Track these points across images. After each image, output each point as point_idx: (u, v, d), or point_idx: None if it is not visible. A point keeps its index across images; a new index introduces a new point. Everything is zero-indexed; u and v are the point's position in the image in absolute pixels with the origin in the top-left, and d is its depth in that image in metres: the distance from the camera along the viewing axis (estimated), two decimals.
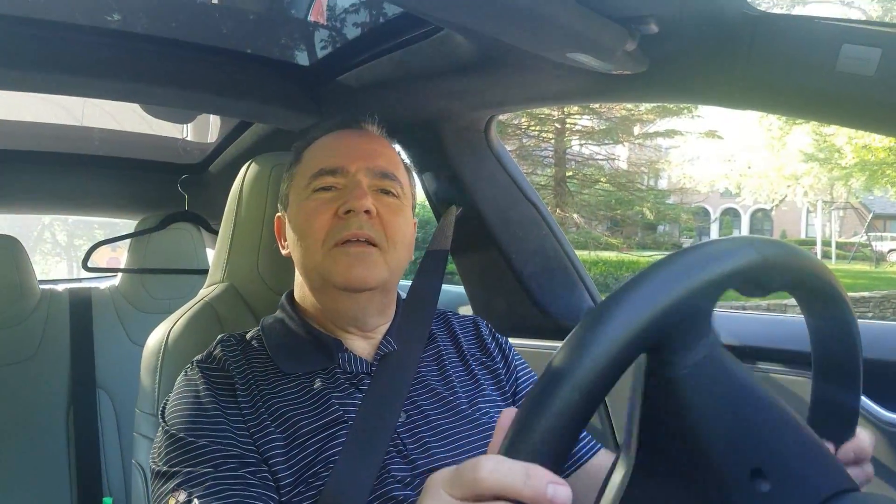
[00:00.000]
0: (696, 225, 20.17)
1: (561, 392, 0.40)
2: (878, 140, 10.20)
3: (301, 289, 0.95)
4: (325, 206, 0.87)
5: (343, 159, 0.90)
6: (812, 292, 0.55)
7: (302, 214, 0.90)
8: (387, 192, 0.91)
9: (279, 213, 0.99)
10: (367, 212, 0.86)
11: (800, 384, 1.01)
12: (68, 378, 1.84)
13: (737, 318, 1.25)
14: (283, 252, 0.97)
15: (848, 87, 0.75)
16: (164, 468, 0.75)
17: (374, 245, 0.86)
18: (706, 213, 21.74)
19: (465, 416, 0.89)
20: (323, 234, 0.86)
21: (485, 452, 0.82)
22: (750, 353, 1.09)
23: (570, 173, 13.41)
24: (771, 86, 0.83)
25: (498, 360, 1.01)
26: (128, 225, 2.41)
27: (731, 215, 23.58)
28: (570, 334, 0.42)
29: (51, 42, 1.11)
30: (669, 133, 13.18)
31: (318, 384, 0.84)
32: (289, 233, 0.94)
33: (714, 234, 20.14)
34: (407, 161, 1.01)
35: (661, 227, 21.55)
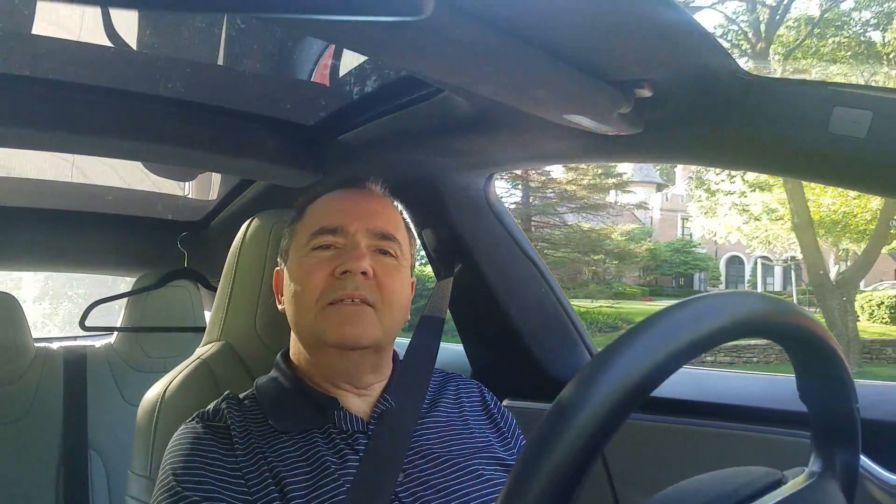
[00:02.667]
0: (731, 273, 20.51)
1: (552, 453, 0.39)
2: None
3: (295, 346, 0.94)
4: (322, 265, 0.88)
5: (343, 219, 0.91)
6: (805, 350, 0.54)
7: (299, 271, 0.90)
8: (385, 253, 0.91)
9: (278, 268, 0.99)
10: (363, 273, 0.86)
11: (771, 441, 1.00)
12: (60, 438, 1.80)
13: (703, 374, 1.25)
14: (280, 307, 0.97)
15: (840, 148, 0.77)
16: None
17: (370, 305, 0.86)
18: (741, 261, 21.82)
19: (464, 470, 0.87)
20: (318, 293, 0.86)
21: None
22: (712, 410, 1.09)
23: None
24: (764, 147, 0.85)
25: (501, 425, 0.99)
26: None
27: (764, 264, 23.61)
28: (562, 391, 0.42)
29: (53, 101, 1.13)
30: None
31: (313, 444, 0.83)
32: (285, 288, 0.94)
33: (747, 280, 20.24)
34: (408, 221, 1.02)
35: (696, 276, 21.69)
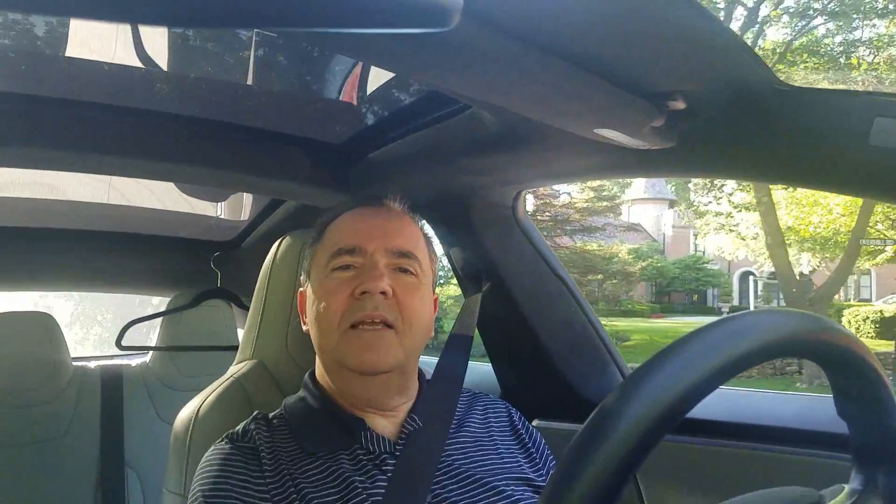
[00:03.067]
0: (743, 289, 20.66)
1: (583, 475, 0.38)
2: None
3: (320, 368, 0.94)
4: (342, 287, 0.87)
5: (361, 238, 0.90)
6: (845, 369, 0.52)
7: (320, 294, 0.90)
8: (405, 271, 0.90)
9: (301, 288, 0.99)
10: (383, 293, 0.85)
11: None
12: (98, 456, 1.82)
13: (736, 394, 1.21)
14: (304, 328, 0.96)
15: (881, 160, 0.74)
16: None
17: (390, 326, 0.85)
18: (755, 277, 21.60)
19: (492, 491, 0.85)
20: (339, 315, 0.86)
21: None
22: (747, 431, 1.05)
23: None
24: (802, 160, 0.82)
25: (530, 445, 0.97)
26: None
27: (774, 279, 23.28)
28: (594, 411, 0.41)
29: (87, 122, 1.16)
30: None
31: (340, 465, 0.82)
32: (308, 311, 0.94)
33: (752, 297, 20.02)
34: (430, 236, 1.01)
35: (709, 293, 21.62)
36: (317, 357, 0.95)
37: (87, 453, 1.81)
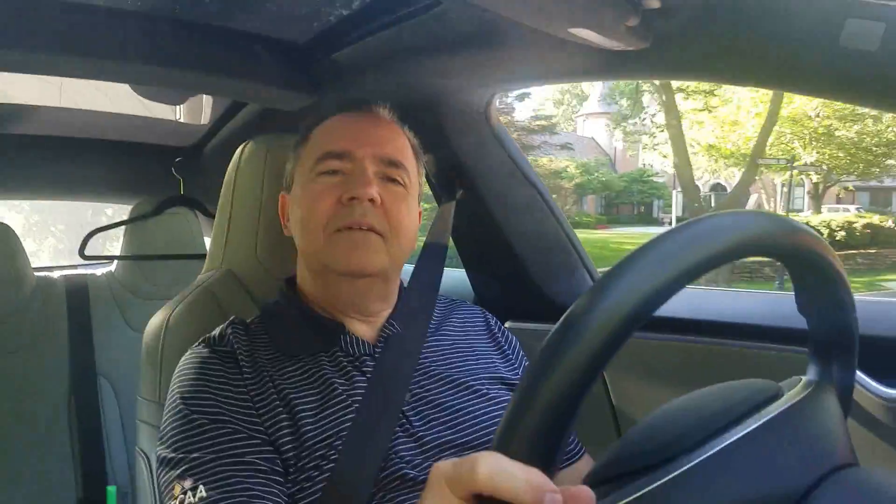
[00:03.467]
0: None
1: (553, 375, 0.40)
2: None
3: (302, 272, 0.94)
4: (329, 192, 0.86)
5: (350, 144, 0.89)
6: (806, 266, 0.54)
7: (306, 198, 0.89)
8: (393, 181, 0.90)
9: (283, 192, 0.98)
10: (371, 200, 0.85)
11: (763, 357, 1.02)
12: (68, 366, 1.83)
13: (703, 293, 1.26)
14: (286, 232, 0.96)
15: (851, 62, 0.74)
16: (170, 454, 0.75)
17: (377, 233, 0.85)
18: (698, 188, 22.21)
19: (470, 390, 0.89)
20: (325, 219, 0.85)
21: (492, 424, 0.83)
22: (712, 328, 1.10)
23: None
24: (774, 61, 0.82)
25: (505, 347, 1.01)
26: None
27: (717, 191, 23.93)
28: (564, 314, 0.42)
29: (37, 20, 1.09)
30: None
31: (321, 367, 0.84)
32: (291, 214, 0.93)
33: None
34: (416, 146, 1.00)
35: (655, 205, 22.46)
36: (299, 262, 0.94)
37: (56, 364, 1.82)
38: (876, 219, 12.12)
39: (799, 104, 12.23)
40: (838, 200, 16.88)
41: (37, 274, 1.92)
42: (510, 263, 1.39)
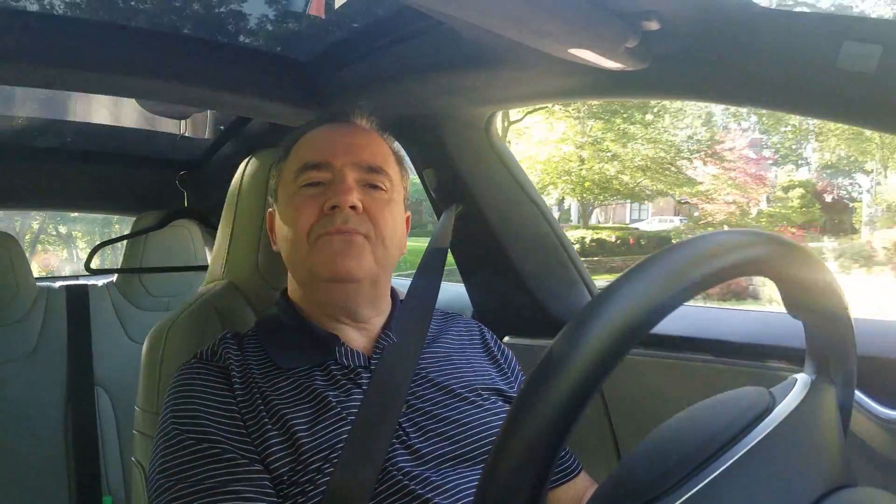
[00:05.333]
0: None
1: (555, 382, 0.40)
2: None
3: (291, 283, 0.95)
4: (310, 202, 0.87)
5: (328, 154, 0.89)
6: (805, 286, 0.54)
7: (288, 210, 0.89)
8: (375, 187, 0.90)
9: (270, 209, 0.99)
10: (352, 207, 0.85)
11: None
12: (66, 376, 1.83)
13: (701, 310, 1.26)
14: (274, 248, 0.96)
15: (848, 84, 0.75)
16: (159, 478, 0.75)
17: (362, 234, 0.86)
18: None
19: (466, 400, 0.88)
20: (308, 228, 0.86)
21: (489, 435, 0.82)
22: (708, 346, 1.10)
23: None
24: (772, 83, 0.83)
25: (501, 361, 1.00)
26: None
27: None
28: (564, 328, 0.43)
29: (47, 36, 1.11)
30: None
31: (314, 381, 0.84)
32: (278, 229, 0.93)
33: None
34: (400, 153, 1.00)
35: None
36: (288, 274, 0.95)
37: (55, 373, 1.82)
38: (604, 234, 14.63)
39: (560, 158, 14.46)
40: (676, 212, 18.15)
41: (38, 284, 1.93)
42: (509, 278, 1.39)
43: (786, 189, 15.65)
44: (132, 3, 1.19)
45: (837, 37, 0.73)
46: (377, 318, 0.93)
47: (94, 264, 2.07)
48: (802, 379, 0.57)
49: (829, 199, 15.94)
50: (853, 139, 13.84)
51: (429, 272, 1.09)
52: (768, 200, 15.47)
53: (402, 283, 1.02)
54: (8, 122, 1.86)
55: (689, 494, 0.44)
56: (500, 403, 0.91)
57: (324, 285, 0.88)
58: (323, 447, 0.77)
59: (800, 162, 16.89)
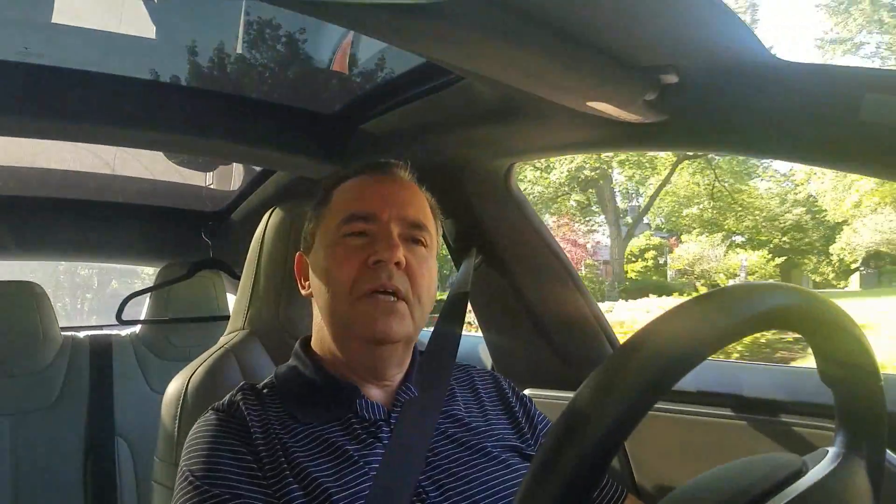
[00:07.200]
0: None
1: (576, 440, 0.39)
2: None
3: (320, 333, 0.93)
4: (354, 254, 0.86)
5: (375, 205, 0.88)
6: (823, 332, 0.53)
7: (329, 258, 0.88)
8: (417, 242, 0.89)
9: (300, 252, 0.98)
10: (397, 263, 0.84)
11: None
12: (86, 426, 1.83)
13: (725, 365, 1.23)
14: (304, 293, 0.95)
15: (872, 136, 0.74)
16: None
17: (402, 299, 0.85)
18: None
19: (487, 456, 0.86)
20: (351, 282, 0.84)
21: (507, 494, 0.80)
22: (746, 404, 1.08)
23: None
24: (793, 135, 0.82)
25: (519, 414, 0.98)
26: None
27: None
28: (585, 381, 0.42)
29: (78, 90, 1.14)
30: None
31: (334, 434, 0.82)
32: (313, 275, 0.92)
33: None
34: (436, 207, 1.00)
35: None
36: (315, 323, 0.93)
37: (76, 423, 1.82)
38: None
39: None
40: None
41: (63, 333, 1.95)
42: (529, 329, 1.38)
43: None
44: (161, 59, 1.23)
45: (859, 88, 0.73)
46: (399, 375, 0.92)
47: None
48: (833, 451, 0.56)
49: None
50: None
51: (449, 323, 1.09)
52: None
53: (422, 335, 1.01)
54: (37, 173, 1.92)
55: None
56: (518, 460, 0.89)
57: (359, 343, 0.87)
58: (346, 501, 0.76)
59: None
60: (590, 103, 0.86)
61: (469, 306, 1.22)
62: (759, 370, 1.22)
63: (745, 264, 17.70)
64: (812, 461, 0.54)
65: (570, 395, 0.41)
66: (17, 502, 1.70)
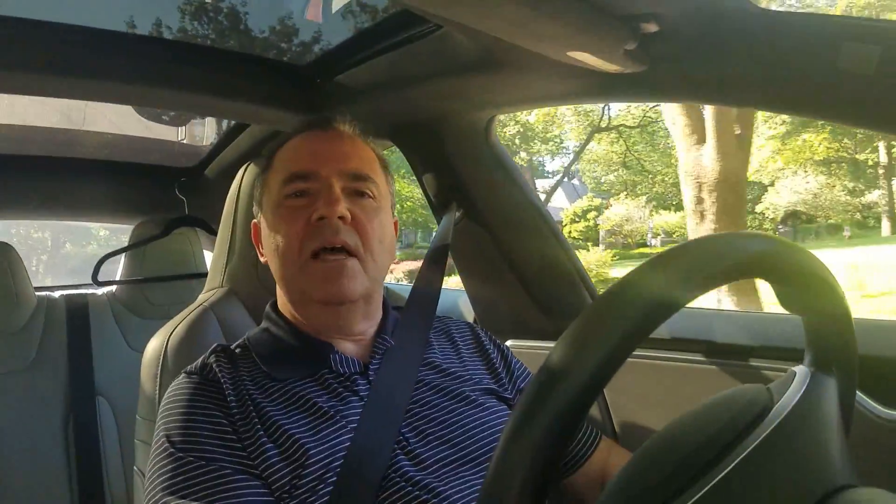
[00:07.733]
0: None
1: (557, 389, 0.40)
2: None
3: (282, 298, 0.93)
4: (298, 214, 0.85)
5: (313, 163, 0.88)
6: (807, 286, 0.54)
7: (275, 223, 0.87)
8: (362, 195, 0.88)
9: (255, 220, 0.97)
10: (341, 218, 0.83)
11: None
12: (67, 386, 1.82)
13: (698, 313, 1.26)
14: (262, 259, 0.94)
15: (848, 85, 0.75)
16: (156, 480, 0.74)
17: (352, 254, 0.84)
18: None
19: (465, 400, 0.88)
20: (298, 243, 0.84)
21: (489, 436, 0.82)
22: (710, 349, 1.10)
23: None
24: (771, 84, 0.83)
25: (496, 360, 1.00)
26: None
27: None
28: (566, 330, 0.42)
29: (45, 44, 1.10)
30: None
31: (308, 391, 0.83)
32: (264, 241, 0.91)
33: None
34: (384, 158, 0.98)
35: None
36: (278, 287, 0.93)
37: (56, 383, 1.81)
38: None
39: None
40: None
41: (37, 294, 1.93)
42: (510, 282, 1.39)
43: None
44: (129, 11, 1.19)
45: (837, 38, 0.73)
46: (371, 328, 0.92)
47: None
48: (801, 372, 0.56)
49: None
50: None
51: (430, 276, 1.09)
52: None
53: (405, 288, 1.02)
54: (4, 130, 1.86)
55: (693, 500, 0.43)
56: (495, 402, 0.91)
57: (316, 306, 0.87)
58: (324, 456, 0.76)
59: None
60: (570, 53, 0.85)
61: (451, 260, 1.23)
62: (731, 317, 1.25)
63: (651, 227, 20.11)
64: (779, 389, 0.54)
65: (552, 344, 0.42)
66: None
